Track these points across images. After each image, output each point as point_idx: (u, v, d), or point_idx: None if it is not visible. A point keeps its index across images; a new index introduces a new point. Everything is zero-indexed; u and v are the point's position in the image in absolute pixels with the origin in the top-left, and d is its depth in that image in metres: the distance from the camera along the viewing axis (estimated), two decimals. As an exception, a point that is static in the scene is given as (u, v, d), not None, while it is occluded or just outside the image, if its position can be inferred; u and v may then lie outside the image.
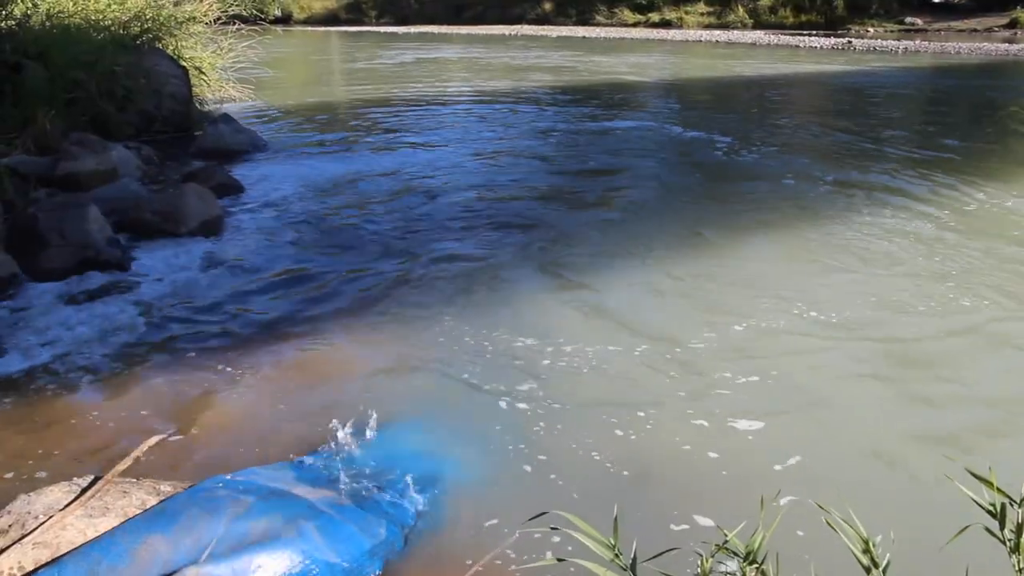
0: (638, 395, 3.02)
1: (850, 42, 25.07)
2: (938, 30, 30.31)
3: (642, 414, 2.87)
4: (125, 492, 2.08)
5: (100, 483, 2.08)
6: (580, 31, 34.66)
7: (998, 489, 1.05)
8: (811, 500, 1.57)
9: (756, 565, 1.28)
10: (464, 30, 37.04)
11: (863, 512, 1.34)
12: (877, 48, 23.43)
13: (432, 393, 3.05)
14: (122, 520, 1.96)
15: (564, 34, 33.10)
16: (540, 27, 37.63)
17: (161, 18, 9.26)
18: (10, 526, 1.91)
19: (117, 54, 7.81)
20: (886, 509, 2.31)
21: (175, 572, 1.81)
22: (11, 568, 1.78)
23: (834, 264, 4.49)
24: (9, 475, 2.48)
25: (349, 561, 2.02)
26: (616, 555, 1.32)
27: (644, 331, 3.61)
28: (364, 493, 2.34)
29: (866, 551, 1.29)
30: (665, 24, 36.36)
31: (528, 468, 2.54)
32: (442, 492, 2.40)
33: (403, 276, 4.33)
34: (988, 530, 1.07)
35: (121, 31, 8.48)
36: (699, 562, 1.30)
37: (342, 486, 2.35)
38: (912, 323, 3.69)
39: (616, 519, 1.36)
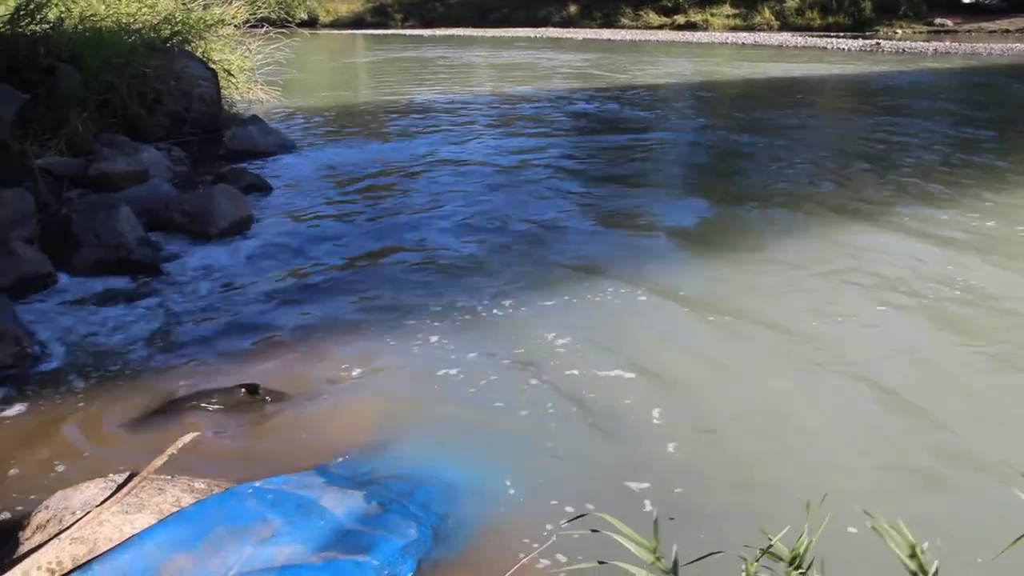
0: (670, 398, 2.99)
1: (878, 44, 24.78)
2: (968, 31, 29.87)
3: (678, 417, 2.85)
4: (160, 489, 2.09)
5: (135, 480, 2.09)
6: (605, 33, 34.57)
7: (1058, 495, 1.02)
8: (857, 505, 1.55)
9: (801, 571, 1.26)
10: (489, 33, 37.08)
11: (913, 518, 1.32)
12: (906, 50, 23.15)
13: (460, 401, 3.03)
14: (157, 517, 1.97)
15: (589, 36, 33.03)
16: (565, 30, 37.57)
17: (191, 21, 9.34)
18: (48, 521, 1.93)
19: (148, 57, 7.89)
20: (936, 515, 2.27)
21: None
22: (49, 563, 1.80)
23: (874, 267, 4.42)
24: (46, 471, 2.50)
25: (380, 559, 2.02)
26: (657, 558, 1.30)
27: (673, 334, 3.59)
28: (393, 496, 2.34)
29: (913, 556, 1.26)
30: (691, 26, 36.12)
31: (560, 474, 2.52)
32: (473, 497, 2.39)
33: (433, 280, 4.33)
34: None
35: (151, 34, 8.55)
36: (743, 567, 1.28)
37: (370, 491, 2.34)
38: (955, 326, 3.63)
39: (656, 521, 1.35)
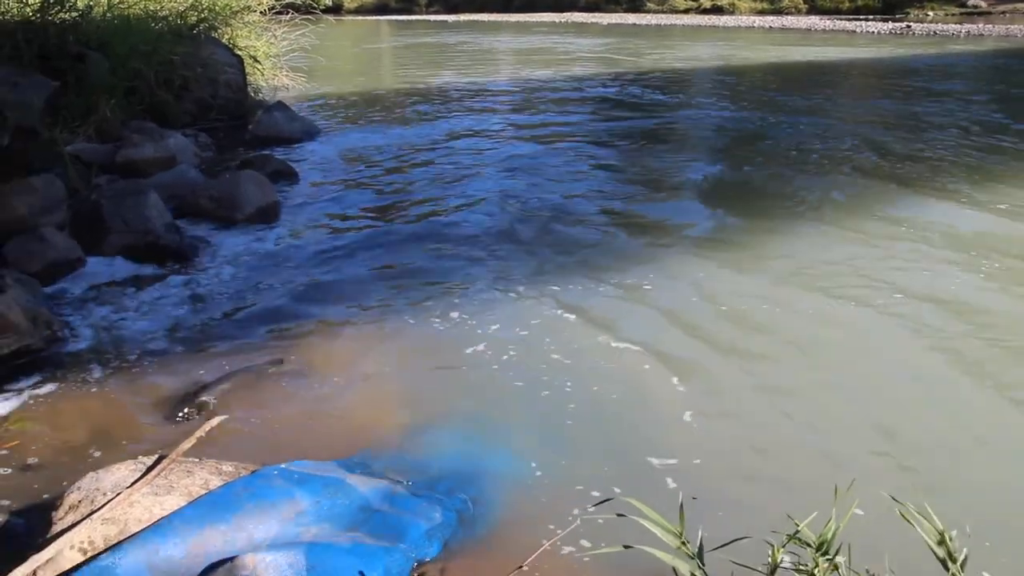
0: (697, 377, 2.98)
1: (909, 26, 24.38)
2: (1003, 12, 29.28)
3: (705, 397, 2.84)
4: (188, 472, 2.11)
5: (165, 462, 2.12)
6: (631, 18, 34.33)
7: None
8: (884, 492, 1.53)
9: (828, 557, 1.25)
10: (514, 18, 36.95)
11: (942, 505, 1.30)
12: (938, 32, 22.75)
13: (484, 382, 3.04)
14: (186, 499, 2.00)
15: (614, 21, 32.81)
16: (590, 15, 37.36)
17: (217, 8, 9.38)
18: (80, 502, 1.96)
19: (174, 44, 7.94)
20: (966, 503, 2.25)
21: (232, 558, 1.83)
22: (81, 542, 1.83)
23: (907, 249, 4.37)
24: (77, 452, 2.54)
25: (407, 543, 2.03)
26: (683, 543, 1.30)
27: (699, 313, 3.57)
28: (417, 480, 2.35)
29: (941, 543, 1.25)
30: (717, 10, 35.77)
31: (585, 456, 2.52)
32: (498, 480, 2.39)
33: (458, 263, 4.33)
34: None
35: (178, 21, 8.60)
36: (769, 552, 1.28)
37: (395, 475, 2.36)
38: (989, 308, 3.58)
39: (682, 506, 1.34)
